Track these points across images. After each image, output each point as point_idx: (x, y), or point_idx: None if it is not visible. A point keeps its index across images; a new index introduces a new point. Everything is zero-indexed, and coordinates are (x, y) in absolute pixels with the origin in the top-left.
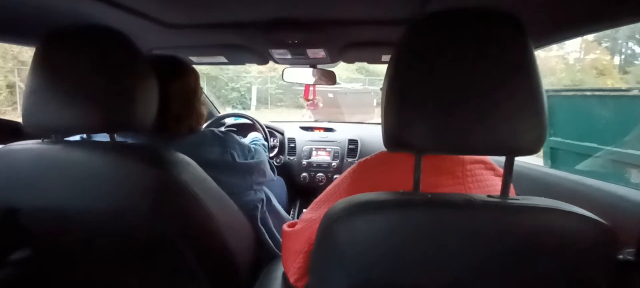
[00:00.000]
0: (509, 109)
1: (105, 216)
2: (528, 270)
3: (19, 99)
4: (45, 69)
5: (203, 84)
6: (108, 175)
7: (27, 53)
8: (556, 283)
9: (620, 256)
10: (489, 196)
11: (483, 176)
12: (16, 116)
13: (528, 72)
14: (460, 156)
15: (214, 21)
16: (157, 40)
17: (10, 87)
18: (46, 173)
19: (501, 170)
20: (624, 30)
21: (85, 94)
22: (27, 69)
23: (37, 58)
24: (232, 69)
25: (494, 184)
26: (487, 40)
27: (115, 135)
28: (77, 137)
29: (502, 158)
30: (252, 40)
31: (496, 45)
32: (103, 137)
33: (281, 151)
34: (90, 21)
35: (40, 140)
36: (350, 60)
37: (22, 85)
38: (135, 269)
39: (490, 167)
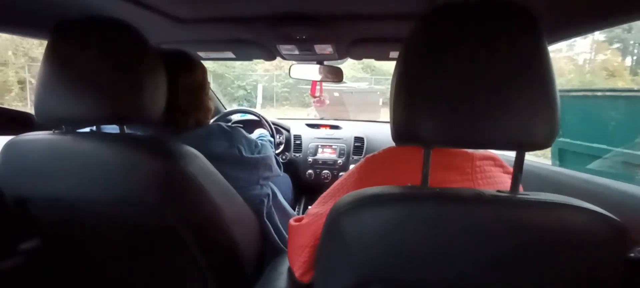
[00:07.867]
0: (520, 103)
1: (113, 206)
2: (536, 266)
3: (30, 95)
4: (57, 60)
5: (210, 80)
6: (117, 166)
7: (37, 49)
8: (564, 280)
9: (631, 254)
10: (498, 191)
11: (492, 173)
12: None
13: (541, 66)
14: (469, 152)
15: (222, 15)
16: (165, 34)
17: (21, 83)
18: (56, 163)
19: (510, 168)
20: (636, 32)
21: (96, 86)
22: (37, 66)
23: (48, 50)
24: (239, 67)
25: (503, 181)
26: (498, 33)
27: (125, 127)
28: (87, 129)
29: (512, 156)
30: (260, 35)
31: (508, 38)
32: (113, 129)
33: (287, 148)
34: (101, 14)
35: (51, 131)
36: (357, 57)
37: (33, 81)
38: (141, 259)
39: (499, 164)
